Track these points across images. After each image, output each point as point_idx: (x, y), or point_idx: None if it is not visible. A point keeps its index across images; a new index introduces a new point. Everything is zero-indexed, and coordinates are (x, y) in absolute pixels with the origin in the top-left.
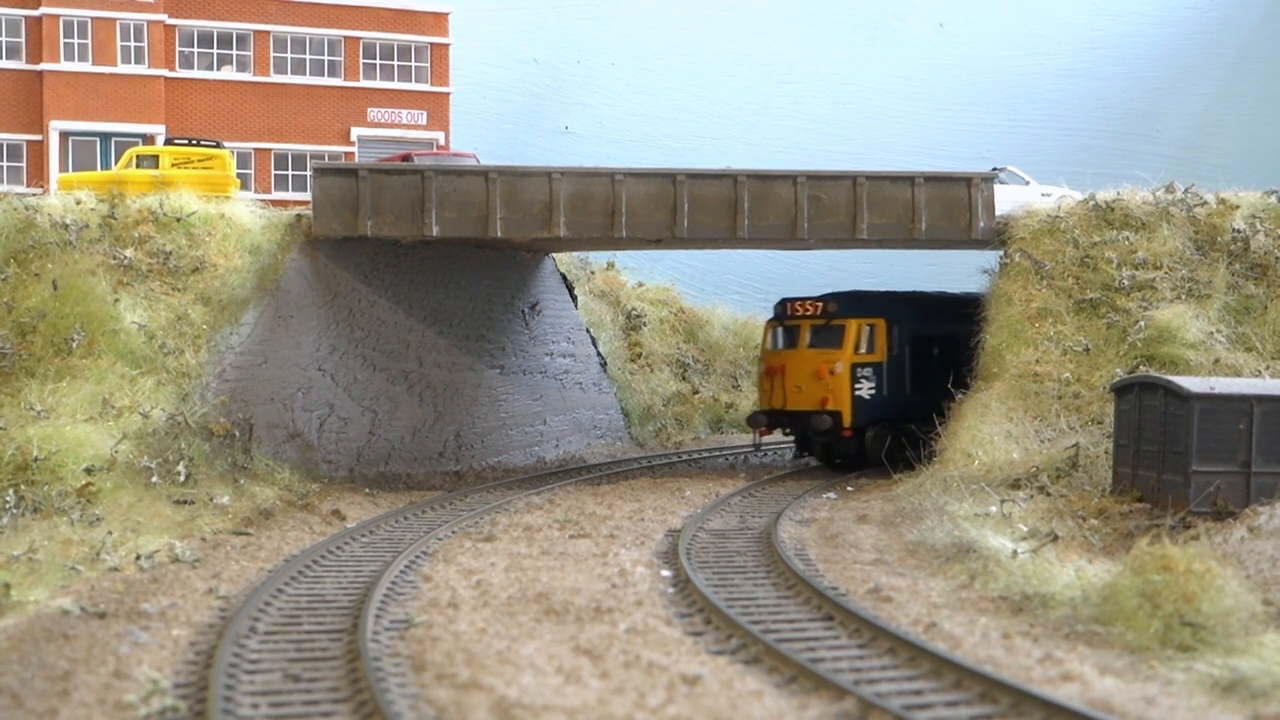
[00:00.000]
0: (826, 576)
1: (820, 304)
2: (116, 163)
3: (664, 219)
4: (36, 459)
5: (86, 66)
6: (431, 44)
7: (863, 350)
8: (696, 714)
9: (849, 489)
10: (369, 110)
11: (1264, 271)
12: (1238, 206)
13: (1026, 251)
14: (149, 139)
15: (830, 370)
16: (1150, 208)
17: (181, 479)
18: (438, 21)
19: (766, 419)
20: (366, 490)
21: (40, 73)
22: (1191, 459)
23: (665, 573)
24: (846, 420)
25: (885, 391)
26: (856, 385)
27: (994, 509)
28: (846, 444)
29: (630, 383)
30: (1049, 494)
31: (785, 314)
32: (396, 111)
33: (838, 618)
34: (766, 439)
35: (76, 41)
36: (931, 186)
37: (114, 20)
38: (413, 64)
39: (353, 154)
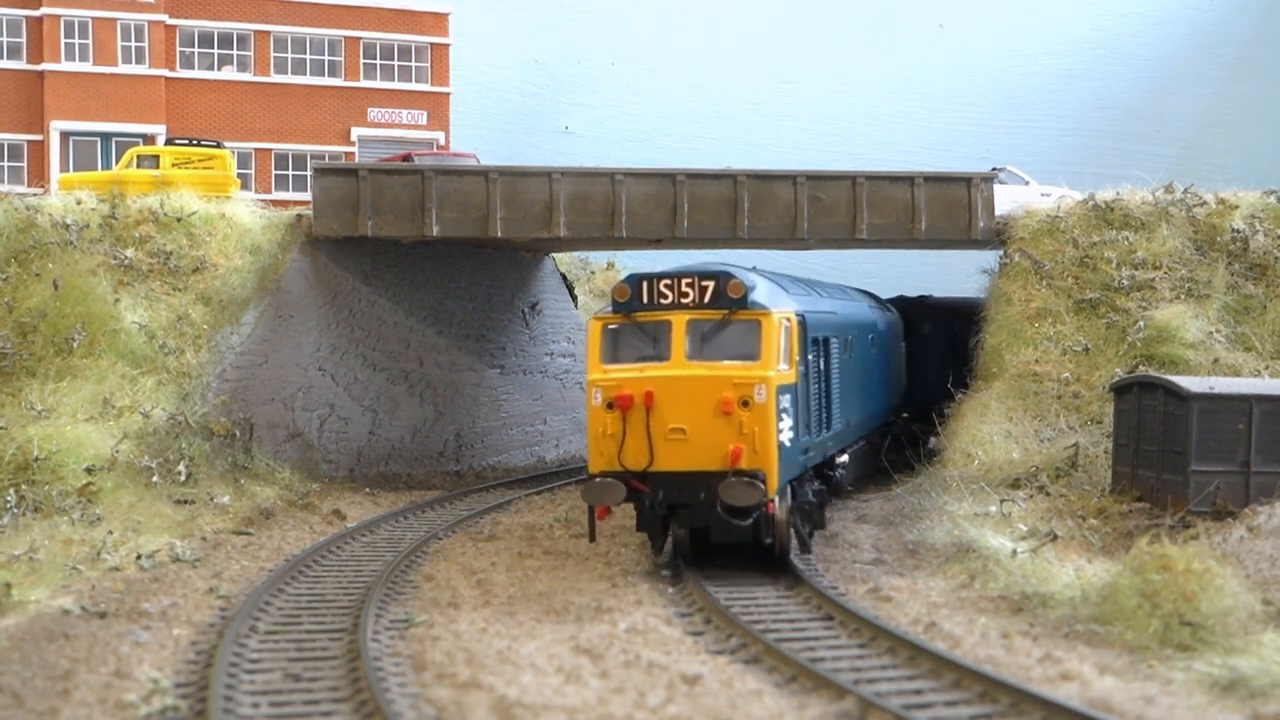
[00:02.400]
0: (826, 576)
1: (712, 282)
2: (117, 163)
3: (664, 219)
4: (37, 459)
5: (87, 66)
6: (431, 44)
7: (783, 364)
8: (696, 713)
9: (848, 488)
10: (369, 110)
11: (1263, 271)
12: (1237, 206)
13: (1026, 251)
14: (149, 139)
15: (743, 400)
16: (1150, 208)
17: (182, 479)
18: (438, 21)
19: (623, 488)
20: (367, 490)
21: (41, 73)
22: (1191, 459)
23: (665, 572)
24: (772, 486)
25: (800, 433)
26: (779, 424)
27: (993, 509)
28: (744, 526)
29: None
30: (1048, 494)
31: (639, 302)
32: (397, 111)
33: (837, 617)
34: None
35: (77, 41)
36: (931, 186)
37: (114, 20)
38: (413, 64)
39: (353, 154)
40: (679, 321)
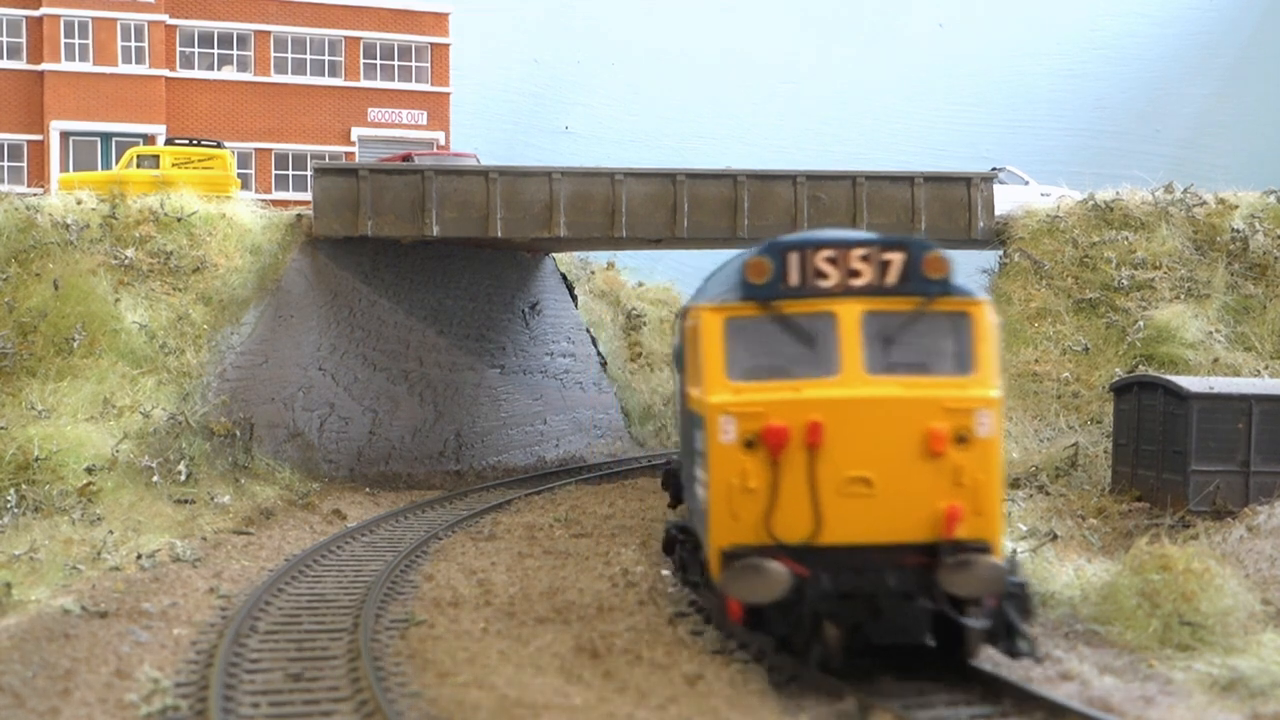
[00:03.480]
0: None
1: (900, 254)
2: (117, 163)
3: (664, 219)
4: (38, 458)
5: (87, 66)
6: (431, 44)
7: (996, 378)
8: (697, 714)
9: None
10: (369, 110)
11: (1263, 271)
12: (1237, 206)
13: (1026, 251)
14: (150, 139)
15: (959, 435)
16: (1149, 208)
17: (182, 478)
18: (438, 21)
19: (788, 574)
20: (367, 490)
21: (41, 73)
22: (1190, 458)
23: (666, 572)
24: (1000, 560)
25: None
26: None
27: None
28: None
29: (630, 382)
30: (1048, 493)
31: (786, 284)
32: (397, 111)
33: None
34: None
35: (77, 41)
36: (931, 186)
37: (114, 20)
38: (413, 64)
39: (353, 154)
40: (849, 314)
